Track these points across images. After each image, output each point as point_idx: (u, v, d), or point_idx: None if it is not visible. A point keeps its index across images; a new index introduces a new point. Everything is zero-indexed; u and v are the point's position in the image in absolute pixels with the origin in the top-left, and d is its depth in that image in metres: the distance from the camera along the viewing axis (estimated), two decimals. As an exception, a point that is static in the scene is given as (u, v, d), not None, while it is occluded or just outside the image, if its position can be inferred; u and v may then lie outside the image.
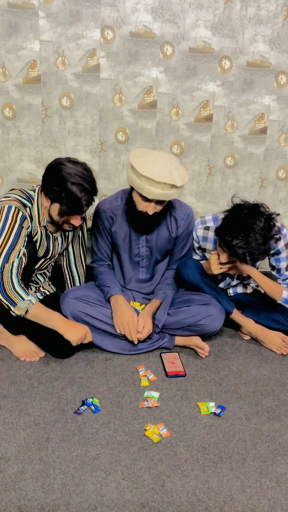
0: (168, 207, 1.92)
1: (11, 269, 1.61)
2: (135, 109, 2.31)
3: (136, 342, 1.85)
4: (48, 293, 1.99)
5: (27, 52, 2.17)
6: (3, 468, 1.32)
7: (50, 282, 2.07)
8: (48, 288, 2.02)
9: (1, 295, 1.61)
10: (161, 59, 2.24)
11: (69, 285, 2.07)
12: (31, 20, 2.11)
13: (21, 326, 1.81)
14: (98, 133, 2.34)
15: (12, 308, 1.62)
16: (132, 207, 1.84)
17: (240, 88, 2.32)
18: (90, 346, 1.92)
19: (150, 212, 1.77)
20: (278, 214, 1.75)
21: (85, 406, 1.57)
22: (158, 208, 1.79)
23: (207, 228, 1.99)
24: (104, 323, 1.87)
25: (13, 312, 1.63)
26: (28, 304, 1.63)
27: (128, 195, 1.89)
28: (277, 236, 1.78)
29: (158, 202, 1.77)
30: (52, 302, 1.90)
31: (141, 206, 1.79)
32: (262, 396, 1.69)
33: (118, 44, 2.19)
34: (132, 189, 1.82)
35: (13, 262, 1.62)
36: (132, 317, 1.84)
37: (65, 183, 1.61)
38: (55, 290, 2.06)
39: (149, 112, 2.32)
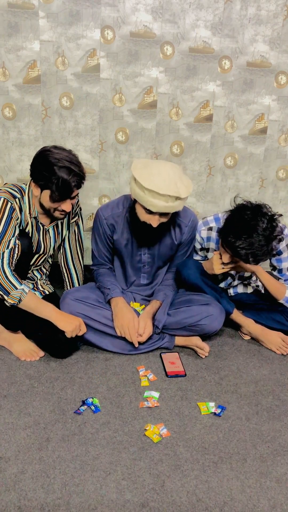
0: (173, 215, 1.88)
1: (2, 259, 1.64)
2: (135, 109, 2.31)
3: (136, 345, 1.85)
4: (47, 293, 1.99)
5: (27, 52, 2.17)
6: (3, 468, 1.32)
7: (48, 282, 2.07)
8: (47, 288, 2.01)
9: None
10: (161, 59, 2.24)
11: (67, 283, 2.07)
12: (31, 20, 2.12)
13: (19, 323, 1.81)
14: (98, 133, 2.34)
15: (5, 297, 1.65)
16: (135, 219, 1.81)
17: (240, 88, 2.32)
18: (90, 346, 1.92)
19: (155, 225, 1.73)
20: (281, 215, 1.74)
21: (85, 406, 1.57)
22: (163, 220, 1.75)
23: (210, 229, 1.99)
24: (104, 325, 1.87)
25: (7, 301, 1.65)
26: (21, 293, 1.65)
27: (131, 205, 1.86)
28: (280, 237, 1.77)
29: (163, 214, 1.73)
30: (51, 301, 1.90)
31: (145, 218, 1.75)
32: (262, 396, 1.69)
33: (118, 44, 2.19)
34: (135, 200, 1.77)
35: (3, 253, 1.65)
36: (133, 320, 1.83)
37: (53, 168, 1.63)
38: (53, 290, 2.06)
39: (149, 112, 2.32)
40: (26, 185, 1.80)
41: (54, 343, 1.79)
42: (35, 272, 1.96)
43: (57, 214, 1.76)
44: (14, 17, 2.10)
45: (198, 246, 2.05)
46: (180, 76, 2.27)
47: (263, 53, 2.27)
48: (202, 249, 2.06)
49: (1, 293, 1.64)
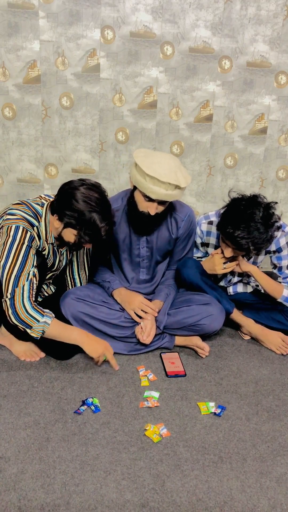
0: (169, 208, 1.92)
1: (22, 293, 1.57)
2: (135, 109, 2.31)
3: (156, 314, 1.89)
4: (46, 294, 1.98)
5: (27, 52, 2.17)
6: (3, 468, 1.32)
7: (50, 282, 2.07)
8: (48, 290, 2.01)
9: (16, 320, 1.58)
10: (161, 59, 2.24)
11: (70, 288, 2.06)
12: (31, 20, 2.12)
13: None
14: (98, 133, 2.34)
15: (28, 330, 1.60)
16: (134, 208, 1.83)
17: (240, 88, 2.32)
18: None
19: (152, 213, 1.76)
20: (276, 203, 1.75)
21: (85, 406, 1.57)
22: (160, 208, 1.79)
23: (210, 223, 1.99)
24: (105, 323, 1.87)
25: (30, 334, 1.61)
26: (44, 326, 1.59)
27: (130, 195, 1.87)
28: (278, 224, 1.77)
29: (161, 202, 1.76)
30: (52, 302, 1.89)
31: (143, 206, 1.78)
32: (262, 396, 1.69)
33: (118, 44, 2.19)
34: (134, 189, 1.81)
35: (23, 286, 1.58)
36: (142, 297, 1.90)
37: (83, 212, 1.54)
38: (53, 291, 2.05)
39: (149, 112, 2.32)
40: (40, 205, 1.68)
41: (55, 345, 1.78)
42: (44, 286, 1.95)
43: (74, 248, 1.69)
44: (14, 17, 2.11)
45: (198, 240, 2.05)
46: (180, 76, 2.27)
47: (263, 53, 2.27)
48: (202, 244, 2.06)
49: (23, 327, 1.59)
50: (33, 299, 1.61)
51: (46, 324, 1.60)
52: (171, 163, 1.70)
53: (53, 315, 1.65)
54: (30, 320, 1.58)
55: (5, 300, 1.58)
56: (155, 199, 1.73)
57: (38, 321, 1.59)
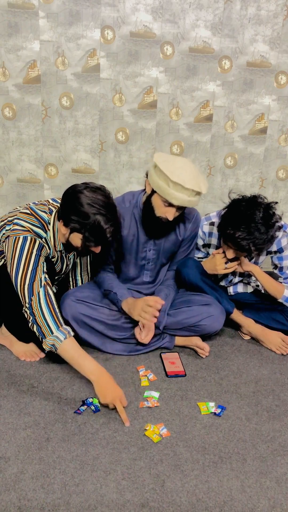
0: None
1: (39, 300, 1.54)
2: (135, 109, 2.31)
3: (157, 314, 1.81)
4: None
5: (27, 52, 2.17)
6: (3, 468, 1.32)
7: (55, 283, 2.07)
8: None
9: (36, 329, 1.55)
10: (161, 59, 2.24)
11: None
12: (31, 20, 2.12)
13: (29, 334, 1.76)
14: (98, 133, 2.34)
15: (43, 341, 1.56)
16: (150, 212, 1.79)
17: (240, 88, 2.32)
18: (90, 347, 1.92)
19: (171, 218, 1.73)
20: (277, 203, 1.75)
21: (85, 406, 1.57)
22: (177, 214, 1.77)
23: (212, 224, 1.99)
24: (105, 325, 1.86)
25: (43, 345, 1.57)
26: (55, 341, 1.52)
27: (146, 200, 1.83)
28: (279, 224, 1.77)
29: (179, 208, 1.74)
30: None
31: (161, 211, 1.75)
32: (262, 396, 1.69)
33: (118, 44, 2.20)
34: (151, 194, 1.77)
35: (38, 293, 1.55)
36: (143, 301, 1.80)
37: (88, 215, 1.53)
38: (54, 291, 2.05)
39: (149, 112, 2.32)
40: (45, 213, 1.67)
41: None
42: (54, 288, 1.95)
43: (83, 252, 1.68)
44: (14, 17, 2.11)
45: (200, 242, 2.05)
46: (180, 76, 2.27)
47: (263, 53, 2.27)
48: (204, 245, 2.06)
49: (40, 336, 1.56)
50: (54, 307, 1.56)
51: (57, 340, 1.53)
52: (193, 169, 1.68)
53: (72, 334, 1.56)
54: (45, 329, 1.53)
55: (25, 311, 1.57)
56: (175, 205, 1.72)
57: (52, 332, 1.53)
